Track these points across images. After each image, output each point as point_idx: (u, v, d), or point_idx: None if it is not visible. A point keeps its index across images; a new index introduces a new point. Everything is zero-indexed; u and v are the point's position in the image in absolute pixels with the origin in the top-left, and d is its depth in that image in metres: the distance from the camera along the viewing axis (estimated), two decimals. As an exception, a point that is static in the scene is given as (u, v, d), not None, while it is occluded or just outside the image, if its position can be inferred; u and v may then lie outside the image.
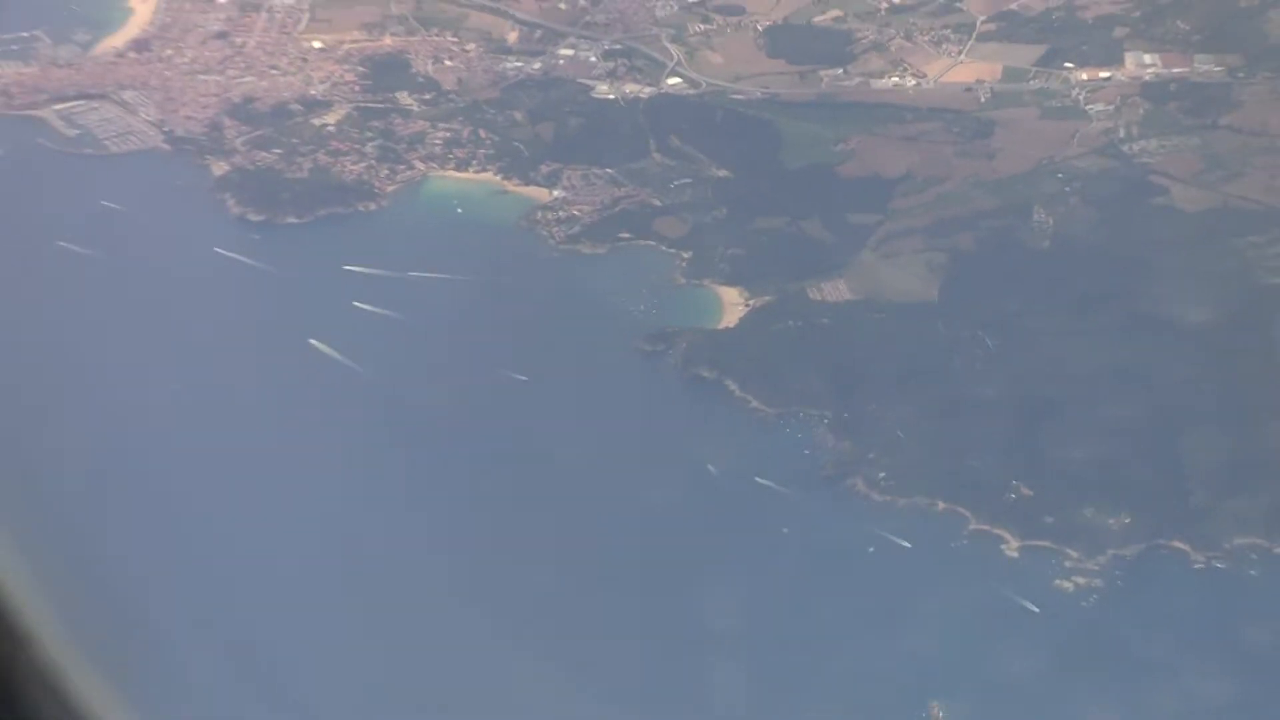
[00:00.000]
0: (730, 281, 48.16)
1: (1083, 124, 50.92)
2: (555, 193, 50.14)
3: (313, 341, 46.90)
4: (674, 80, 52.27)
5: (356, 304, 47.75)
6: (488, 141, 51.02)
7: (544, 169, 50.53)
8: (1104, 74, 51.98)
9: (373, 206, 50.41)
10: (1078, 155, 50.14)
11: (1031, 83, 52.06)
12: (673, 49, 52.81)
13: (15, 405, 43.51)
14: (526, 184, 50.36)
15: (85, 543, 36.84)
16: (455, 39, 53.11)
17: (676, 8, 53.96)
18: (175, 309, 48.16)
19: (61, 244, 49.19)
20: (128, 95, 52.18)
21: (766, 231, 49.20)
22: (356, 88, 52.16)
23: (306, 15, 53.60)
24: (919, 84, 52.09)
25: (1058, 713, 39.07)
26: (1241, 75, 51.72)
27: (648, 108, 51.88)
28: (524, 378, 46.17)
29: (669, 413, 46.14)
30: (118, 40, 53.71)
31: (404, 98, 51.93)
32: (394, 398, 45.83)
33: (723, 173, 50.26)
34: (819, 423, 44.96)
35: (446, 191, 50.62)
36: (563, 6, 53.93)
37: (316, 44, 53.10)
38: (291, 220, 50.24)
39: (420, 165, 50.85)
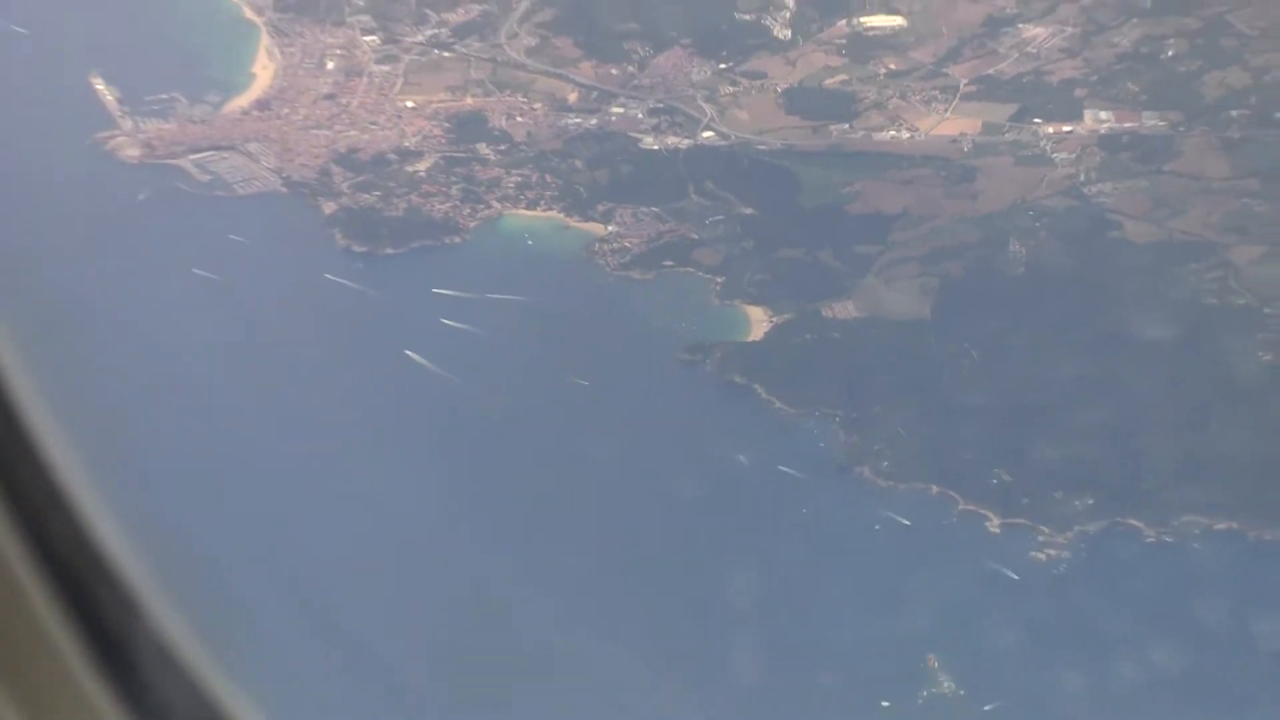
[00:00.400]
0: (756, 302, 48.02)
1: (1050, 170, 50.57)
2: (610, 228, 49.90)
3: (408, 352, 46.75)
4: (708, 134, 51.92)
5: (444, 321, 47.60)
6: (553, 185, 50.70)
7: (600, 208, 50.27)
8: (1066, 128, 51.53)
9: (457, 239, 50.16)
10: (1046, 196, 49.84)
11: (1006, 135, 51.69)
12: (706, 107, 52.40)
13: (153, 402, 43.68)
14: (586, 221, 50.08)
15: (201, 528, 36.92)
16: (525, 99, 52.60)
17: (709, 73, 53.45)
18: (292, 324, 47.91)
19: (196, 271, 48.99)
20: (252, 147, 51.89)
21: (786, 260, 49.02)
22: (443, 140, 51.76)
23: (401, 79, 53.15)
24: (912, 136, 51.74)
25: (1034, 659, 39.02)
26: (1181, 129, 51.31)
27: (686, 157, 51.56)
28: (585, 382, 46.14)
29: (706, 412, 45.95)
30: (243, 101, 53.33)
31: (482, 148, 51.57)
32: (476, 398, 45.67)
33: (749, 211, 50.03)
34: (832, 420, 44.89)
35: (519, 227, 50.37)
36: (614, 72, 53.36)
37: (409, 104, 52.70)
38: (389, 251, 50.01)
39: (496, 205, 50.58)
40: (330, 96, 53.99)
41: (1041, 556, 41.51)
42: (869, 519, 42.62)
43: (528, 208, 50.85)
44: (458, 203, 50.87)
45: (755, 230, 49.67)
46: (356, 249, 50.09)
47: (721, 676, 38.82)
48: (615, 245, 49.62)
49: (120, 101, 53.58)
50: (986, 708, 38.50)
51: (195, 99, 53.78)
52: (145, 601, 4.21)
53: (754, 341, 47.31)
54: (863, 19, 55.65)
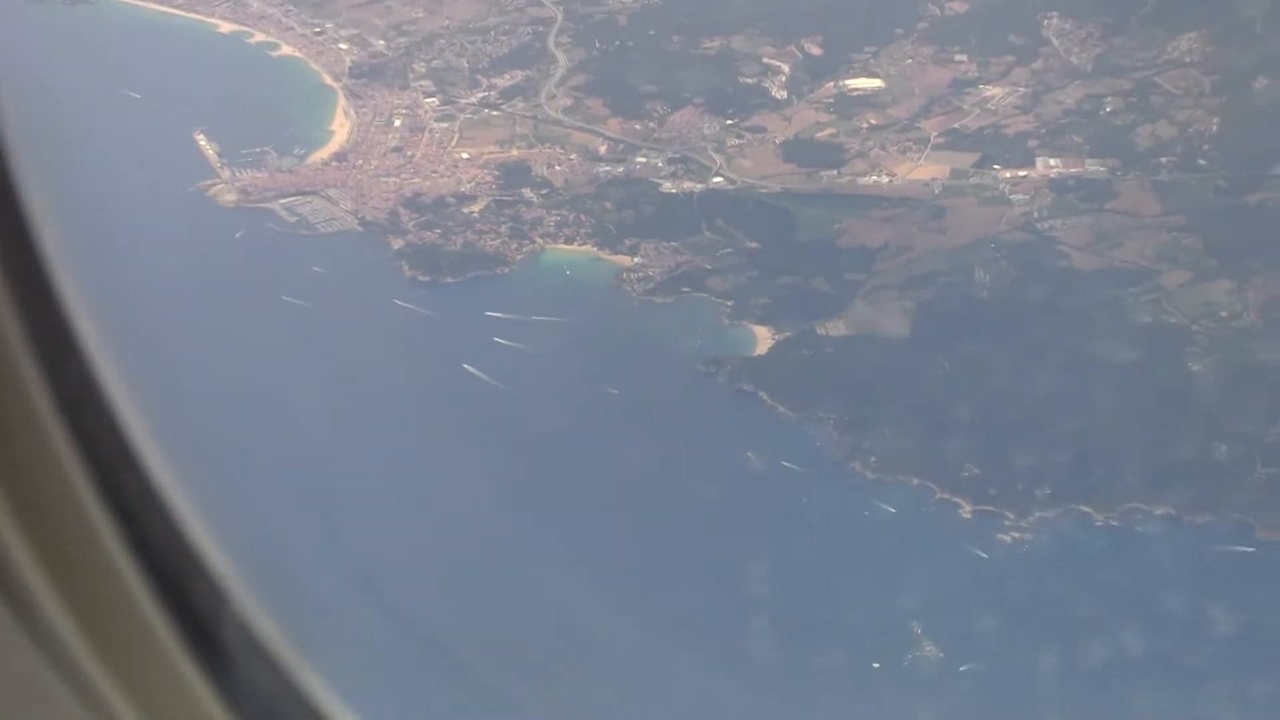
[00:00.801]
0: (761, 322, 47.60)
1: (1008, 209, 50.29)
2: (636, 260, 49.58)
3: (466, 366, 46.35)
4: (717, 179, 51.67)
5: (496, 339, 47.27)
6: (587, 223, 50.42)
7: (627, 242, 49.97)
8: (1021, 173, 51.35)
9: (506, 270, 49.84)
10: (1005, 231, 49.58)
11: (970, 180, 51.46)
12: (716, 157, 52.25)
13: (246, 410, 43.42)
14: (615, 253, 49.79)
15: (284, 526, 36.68)
16: (562, 151, 52.44)
17: (718, 128, 53.34)
18: (367, 342, 47.73)
19: (285, 298, 48.75)
20: (331, 192, 51.81)
21: (786, 286, 48.63)
22: (493, 186, 51.54)
23: (457, 135, 53.08)
24: (891, 181, 51.46)
25: (1003, 626, 38.60)
26: (1119, 173, 51.19)
27: (699, 199, 51.31)
28: (615, 390, 45.79)
29: (719, 416, 45.54)
30: (324, 153, 53.34)
31: (527, 193, 51.31)
32: (524, 404, 45.32)
33: (754, 245, 49.72)
34: (827, 423, 44.38)
35: (558, 260, 50.09)
36: (637, 127, 53.26)
37: (464, 155, 52.60)
38: (449, 280, 49.70)
39: (539, 240, 50.29)
40: (397, 149, 53.77)
41: (1007, 538, 41.11)
42: (860, 507, 42.22)
43: (566, 243, 50.54)
44: (506, 239, 50.54)
45: (759, 261, 49.34)
46: (421, 279, 49.75)
47: (734, 638, 38.29)
48: (640, 274, 49.29)
49: (220, 155, 53.59)
50: (962, 668, 37.98)
51: (283, 152, 53.66)
52: (234, 593, 4.10)
53: (759, 356, 46.92)
54: (847, 81, 55.49)
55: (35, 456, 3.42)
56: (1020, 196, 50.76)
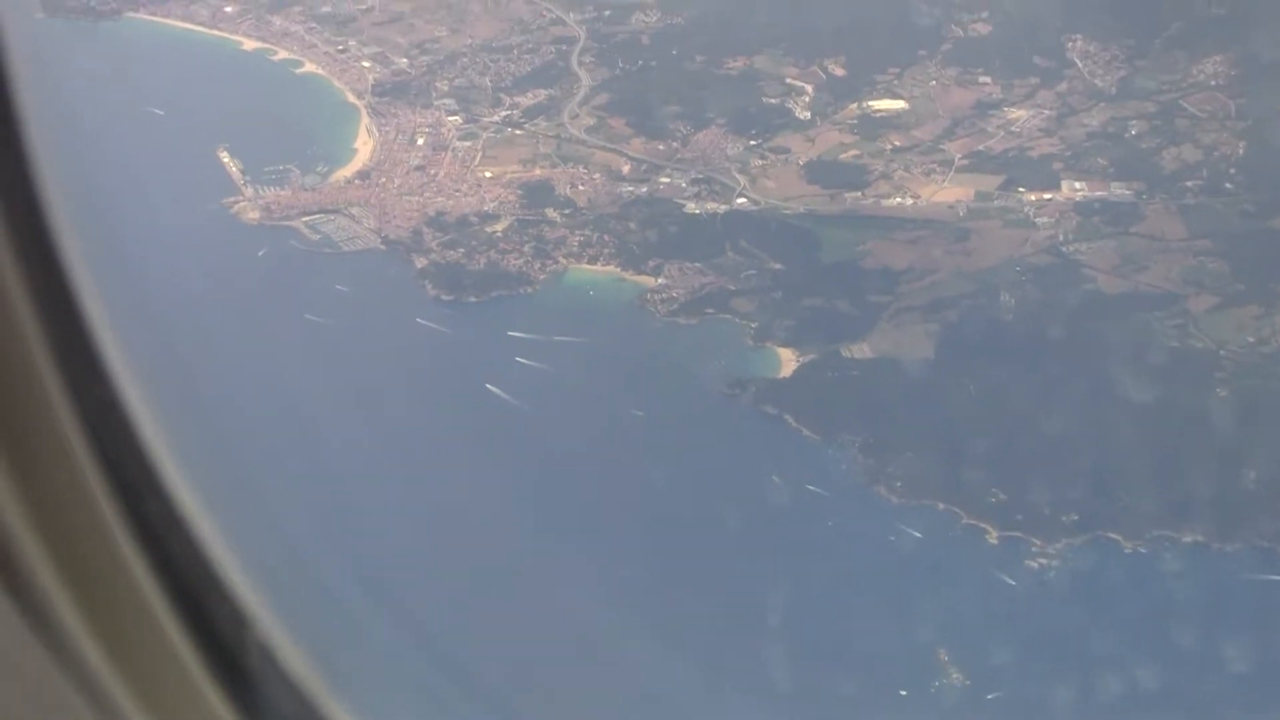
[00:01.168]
0: (785, 344, 47.29)
1: (1033, 232, 50.05)
2: (659, 280, 49.30)
3: (488, 386, 46.08)
4: (741, 200, 51.44)
5: (518, 359, 47.01)
6: (610, 243, 50.20)
7: (651, 263, 49.69)
8: (1046, 196, 51.12)
9: (529, 290, 49.59)
10: (1030, 254, 49.34)
11: (995, 202, 51.19)
12: (739, 178, 51.98)
13: (267, 426, 43.27)
14: (639, 274, 49.53)
15: (305, 540, 36.43)
16: (585, 171, 52.36)
17: (741, 148, 53.14)
18: (389, 360, 47.58)
19: (308, 316, 48.67)
20: (354, 210, 51.72)
21: (810, 308, 48.40)
22: (516, 205, 51.42)
23: (480, 153, 52.98)
24: (915, 203, 51.26)
25: (1030, 654, 38.10)
26: (1144, 197, 50.97)
27: (723, 220, 51.05)
28: (640, 413, 45.48)
29: (744, 438, 45.15)
30: (347, 172, 53.29)
31: (550, 212, 51.11)
32: (546, 425, 45.06)
33: (778, 266, 49.45)
34: (852, 446, 44.03)
35: (582, 279, 49.82)
36: (661, 148, 53.12)
37: (487, 174, 52.47)
38: (471, 299, 49.49)
39: (563, 260, 50.00)
40: (420, 168, 53.53)
41: (1034, 564, 40.75)
42: (886, 531, 41.84)
43: (589, 263, 50.24)
44: (529, 259, 50.24)
45: (783, 282, 49.07)
46: (444, 298, 49.54)
47: (757, 661, 37.74)
48: (664, 295, 48.99)
49: (243, 172, 53.44)
50: (989, 696, 37.62)
51: (306, 170, 53.54)
52: (256, 615, 4.10)
53: (784, 378, 46.61)
54: (871, 103, 55.29)
55: (62, 479, 3.44)
56: (1045, 219, 50.45)
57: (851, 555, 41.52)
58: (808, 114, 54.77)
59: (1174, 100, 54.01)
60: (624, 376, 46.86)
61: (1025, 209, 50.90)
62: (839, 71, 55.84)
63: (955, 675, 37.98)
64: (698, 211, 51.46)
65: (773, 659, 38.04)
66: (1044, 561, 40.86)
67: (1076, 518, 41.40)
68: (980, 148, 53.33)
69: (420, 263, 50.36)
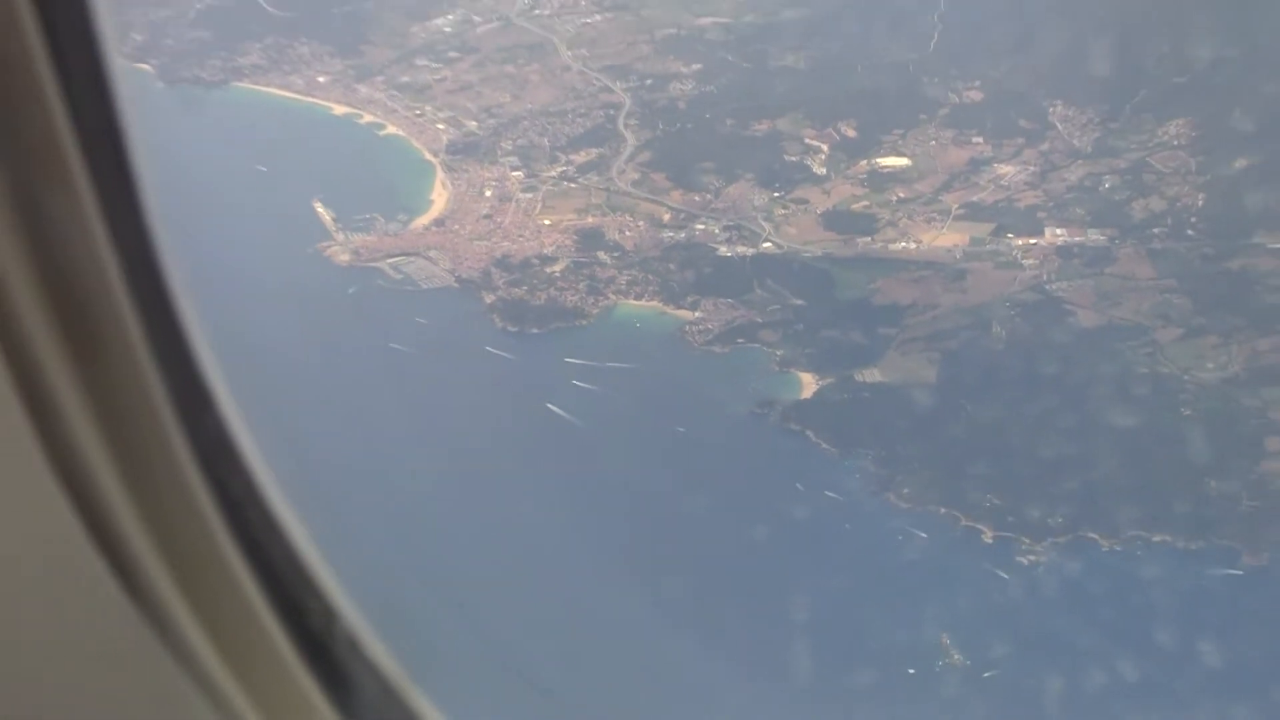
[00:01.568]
0: (806, 369, 47.99)
1: (1020, 272, 50.63)
2: (696, 314, 49.98)
3: (549, 405, 46.85)
4: (767, 245, 52.01)
5: (575, 382, 47.70)
6: (654, 282, 50.86)
7: (689, 299, 50.37)
8: (1032, 241, 51.59)
9: (583, 322, 50.26)
10: (1018, 291, 49.92)
11: (987, 247, 51.73)
12: (765, 225, 52.56)
13: (357, 444, 43.86)
14: (679, 308, 50.18)
15: (386, 547, 37.07)
16: (631, 219, 52.87)
17: (766, 199, 53.64)
18: (462, 383, 48.08)
19: (392, 345, 49.24)
20: (432, 253, 52.23)
21: (828, 338, 49.02)
22: (572, 249, 51.96)
23: (540, 204, 53.49)
24: (918, 247, 51.74)
25: (1021, 638, 38.93)
26: (1117, 241, 51.41)
27: (752, 262, 51.64)
28: (681, 429, 46.19)
29: (771, 451, 45.85)
30: (425, 220, 53.80)
31: (601, 255, 51.74)
32: (600, 439, 45.86)
33: (799, 302, 50.11)
34: (865, 458, 44.88)
35: (630, 314, 50.50)
36: (696, 199, 53.64)
37: (546, 222, 53.00)
38: (534, 330, 50.19)
39: (613, 297, 50.70)
40: (488, 216, 54.26)
41: (1025, 560, 41.49)
42: (895, 532, 42.65)
43: (635, 299, 51.03)
44: (584, 295, 51.06)
45: (804, 316, 49.74)
46: (510, 329, 50.24)
47: (783, 642, 38.75)
48: (701, 327, 49.71)
49: (335, 220, 54.13)
50: (985, 674, 38.35)
51: (390, 218, 54.21)
52: (343, 612, 4.15)
53: (805, 399, 47.29)
54: (879, 160, 55.76)
55: (175, 495, 3.41)
56: (1031, 261, 51.02)
57: (865, 552, 42.38)
58: (824, 170, 55.40)
59: (1142, 158, 54.55)
60: (666, 397, 47.51)
61: (1013, 252, 51.56)
62: (851, 133, 56.39)
63: (956, 656, 38.79)
64: (729, 254, 52.19)
65: (798, 637, 38.73)
66: (1033, 558, 41.62)
67: (1061, 520, 42.26)
68: (974, 199, 53.98)
69: (489, 299, 51.18)
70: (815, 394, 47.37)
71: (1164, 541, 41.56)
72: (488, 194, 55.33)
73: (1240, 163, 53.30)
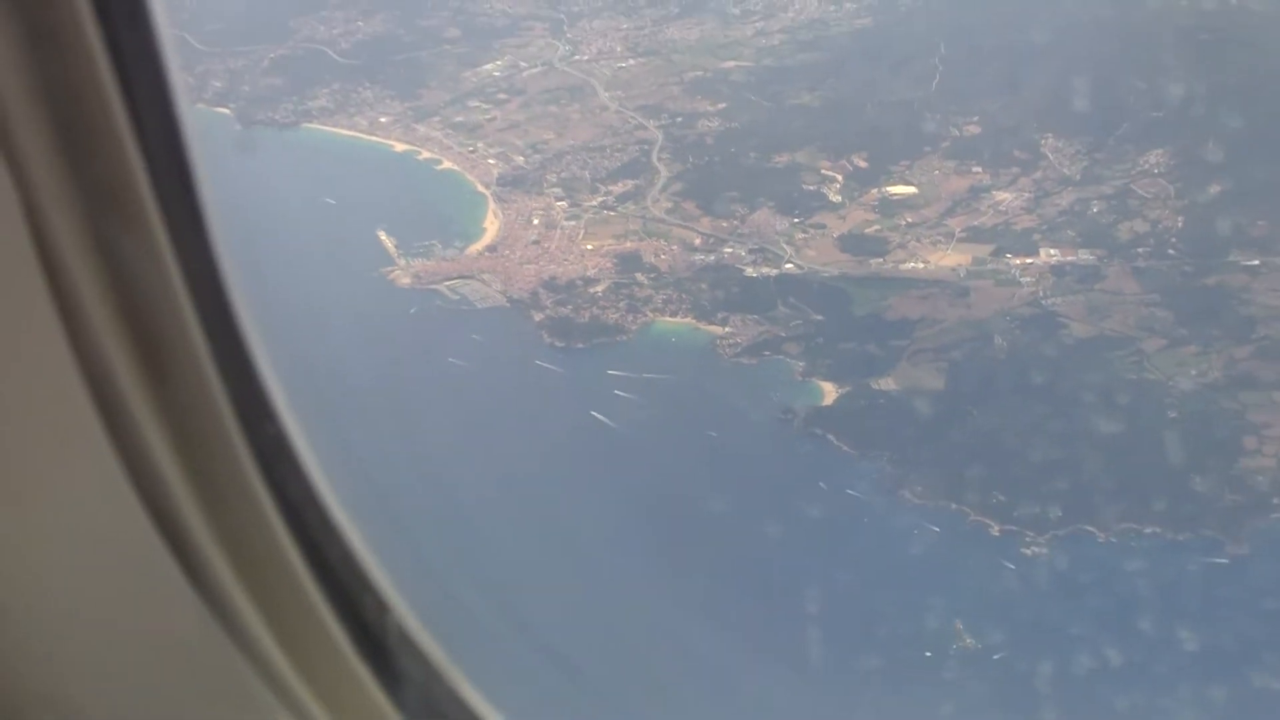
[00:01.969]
0: (827, 379, 47.93)
1: (1018, 289, 50.58)
2: (726, 329, 49.94)
3: (593, 413, 46.87)
4: (789, 265, 52.06)
5: (617, 392, 47.74)
6: (687, 300, 50.90)
7: (719, 316, 50.37)
8: (1028, 260, 51.57)
9: (623, 338, 50.23)
10: (1017, 306, 49.86)
11: (988, 266, 51.68)
12: (786, 248, 52.63)
13: (416, 449, 43.87)
14: (710, 324, 50.18)
15: (440, 546, 36.96)
16: (665, 243, 53.02)
17: (788, 225, 53.67)
18: (515, 394, 48.32)
19: (451, 360, 49.35)
20: (485, 276, 52.35)
21: (846, 350, 48.91)
22: (612, 271, 52.08)
23: (582, 231, 53.61)
24: (925, 267, 51.75)
25: (1027, 621, 38.94)
26: (1105, 260, 51.42)
27: (775, 281, 51.64)
28: (714, 434, 46.15)
29: (795, 453, 45.81)
30: (478, 246, 53.92)
31: (639, 276, 51.81)
32: (639, 443, 45.79)
33: (819, 318, 50.09)
34: (881, 459, 44.76)
35: (665, 329, 50.49)
36: (724, 225, 53.70)
37: (589, 247, 53.14)
38: (579, 346, 50.17)
39: (650, 314, 50.70)
40: (536, 242, 54.33)
41: (1028, 552, 41.42)
42: (910, 526, 42.53)
43: (670, 316, 50.96)
44: (624, 313, 51.03)
45: (824, 330, 49.72)
46: (557, 345, 50.25)
47: (806, 628, 38.63)
48: (730, 341, 49.64)
49: (397, 247, 54.13)
50: (995, 656, 38.24)
51: (447, 244, 54.30)
52: (396, 605, 4.06)
53: (827, 406, 47.22)
54: (888, 188, 55.65)
55: (239, 500, 3.42)
56: (1028, 279, 50.95)
57: (882, 545, 42.31)
58: (839, 198, 55.35)
59: (1126, 185, 54.46)
60: (699, 405, 47.48)
61: (1012, 271, 51.46)
62: (862, 164, 56.39)
63: (969, 641, 38.68)
64: (755, 275, 52.15)
65: (821, 623, 38.59)
66: (1036, 550, 41.56)
67: (1060, 515, 42.10)
68: (975, 223, 53.89)
69: (538, 317, 51.19)
70: (835, 401, 47.30)
71: (1154, 534, 41.47)
72: (535, 222, 55.37)
73: (1214, 189, 53.14)
